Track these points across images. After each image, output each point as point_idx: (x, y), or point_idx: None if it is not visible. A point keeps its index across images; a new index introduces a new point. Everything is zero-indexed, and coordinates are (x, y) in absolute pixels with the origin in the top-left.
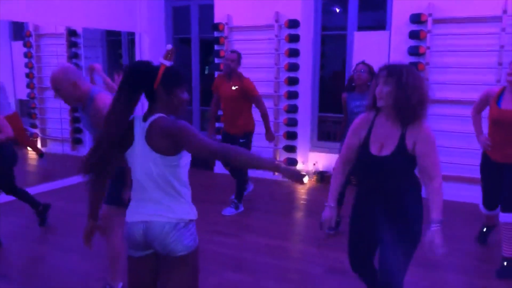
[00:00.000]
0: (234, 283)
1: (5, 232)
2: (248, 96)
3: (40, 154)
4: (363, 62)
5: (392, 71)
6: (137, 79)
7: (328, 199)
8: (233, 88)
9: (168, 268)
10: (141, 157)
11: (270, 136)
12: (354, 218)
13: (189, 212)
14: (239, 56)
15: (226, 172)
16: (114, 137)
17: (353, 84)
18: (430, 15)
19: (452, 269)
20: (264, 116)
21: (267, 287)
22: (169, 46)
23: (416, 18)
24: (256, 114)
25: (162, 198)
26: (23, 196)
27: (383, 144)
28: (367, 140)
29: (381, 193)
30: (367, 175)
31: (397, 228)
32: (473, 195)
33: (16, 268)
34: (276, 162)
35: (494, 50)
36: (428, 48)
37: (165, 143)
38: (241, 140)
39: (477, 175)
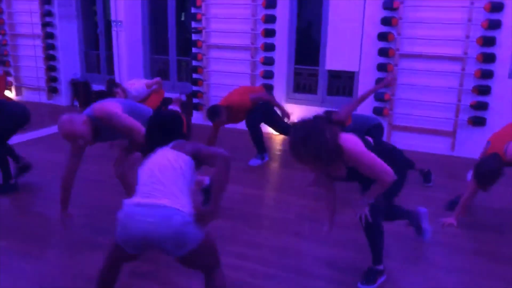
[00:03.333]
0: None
1: None
2: (245, 109)
3: None
4: None
5: (296, 153)
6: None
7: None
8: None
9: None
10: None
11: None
12: None
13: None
14: (217, 115)
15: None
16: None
17: None
18: None
19: None
20: (272, 103)
21: (243, 232)
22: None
23: None
24: None
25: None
26: (9, 151)
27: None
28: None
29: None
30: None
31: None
32: (444, 147)
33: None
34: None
35: (465, 7)
36: (402, 2)
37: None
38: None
39: (445, 127)
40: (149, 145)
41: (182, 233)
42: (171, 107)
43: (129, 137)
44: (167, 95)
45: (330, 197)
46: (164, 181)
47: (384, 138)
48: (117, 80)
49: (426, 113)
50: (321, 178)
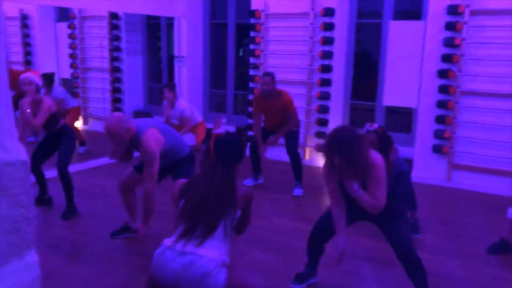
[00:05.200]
0: (265, 263)
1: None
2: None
3: (82, 142)
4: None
5: (340, 149)
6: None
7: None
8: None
9: None
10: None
11: (273, 140)
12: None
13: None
14: (272, 77)
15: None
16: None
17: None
18: (467, 6)
19: (478, 259)
20: (288, 126)
21: (295, 268)
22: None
23: (453, 9)
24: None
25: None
26: (67, 183)
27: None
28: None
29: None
30: (351, 203)
31: (387, 218)
32: (507, 188)
33: (65, 240)
34: None
35: None
36: (464, 39)
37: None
38: (293, 129)
39: (510, 167)
40: (219, 166)
41: (199, 282)
42: (215, 131)
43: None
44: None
45: (341, 210)
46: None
47: (444, 177)
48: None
49: (488, 152)
50: (334, 193)
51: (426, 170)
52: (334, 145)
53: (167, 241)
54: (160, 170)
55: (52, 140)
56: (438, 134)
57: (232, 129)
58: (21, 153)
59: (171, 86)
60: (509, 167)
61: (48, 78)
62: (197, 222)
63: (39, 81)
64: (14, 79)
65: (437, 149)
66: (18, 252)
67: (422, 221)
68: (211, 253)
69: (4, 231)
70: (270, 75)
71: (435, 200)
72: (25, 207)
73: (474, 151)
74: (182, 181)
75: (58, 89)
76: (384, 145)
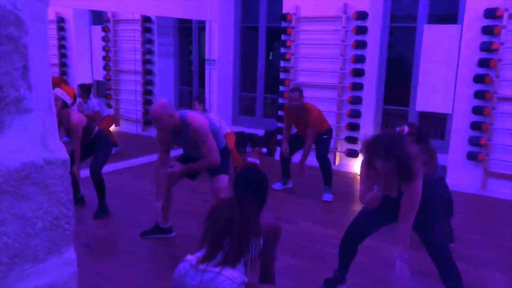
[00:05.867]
0: (293, 267)
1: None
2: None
3: (114, 143)
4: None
5: (390, 150)
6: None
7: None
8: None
9: None
10: None
11: (301, 168)
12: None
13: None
14: (300, 93)
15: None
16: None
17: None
18: (506, 9)
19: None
20: (307, 147)
21: (324, 274)
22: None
23: (491, 13)
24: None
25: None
26: (100, 185)
27: (389, 187)
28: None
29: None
30: (386, 200)
31: (422, 217)
32: None
33: (96, 239)
34: None
35: None
36: (502, 44)
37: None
38: (324, 136)
39: None
40: (236, 197)
41: None
42: (249, 159)
43: (201, 153)
44: (253, 131)
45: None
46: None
47: (479, 185)
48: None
49: None
50: (367, 182)
51: (460, 178)
52: (381, 147)
53: (190, 258)
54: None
55: (88, 147)
56: (474, 141)
57: (261, 132)
58: (62, 152)
59: (201, 99)
60: None
61: (85, 89)
62: (219, 249)
63: (66, 97)
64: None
65: (472, 156)
66: (57, 249)
67: (457, 230)
68: (231, 272)
69: (45, 227)
70: (298, 90)
71: (470, 208)
72: (64, 204)
73: (510, 158)
74: (225, 180)
75: (94, 101)
76: (423, 140)
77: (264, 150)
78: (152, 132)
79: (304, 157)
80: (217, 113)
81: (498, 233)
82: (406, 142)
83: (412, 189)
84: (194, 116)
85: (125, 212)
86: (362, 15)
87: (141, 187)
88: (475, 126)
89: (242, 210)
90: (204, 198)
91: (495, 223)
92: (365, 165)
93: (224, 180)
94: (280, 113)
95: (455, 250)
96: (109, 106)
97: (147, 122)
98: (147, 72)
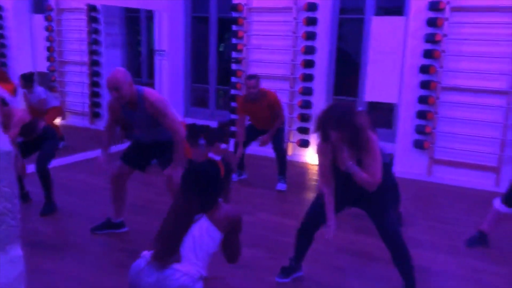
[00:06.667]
0: (250, 258)
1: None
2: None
3: (60, 137)
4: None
5: (341, 121)
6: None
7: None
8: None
9: None
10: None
11: (265, 140)
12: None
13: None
14: (257, 80)
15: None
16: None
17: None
18: (448, 2)
19: (460, 253)
20: (277, 124)
21: (280, 263)
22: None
23: (434, 5)
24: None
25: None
26: (47, 180)
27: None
28: (333, 159)
29: (356, 190)
30: (339, 181)
31: (376, 203)
32: (488, 182)
33: (45, 236)
34: None
35: (509, 40)
36: (445, 35)
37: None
38: (280, 126)
39: (488, 162)
40: (184, 195)
41: None
42: (211, 155)
43: (164, 127)
44: (206, 122)
45: (330, 190)
46: (185, 246)
47: (425, 172)
48: None
49: (469, 147)
50: (326, 170)
51: (407, 165)
52: (333, 118)
53: (146, 254)
54: (143, 153)
55: (34, 143)
56: (419, 130)
57: (214, 124)
58: (5, 143)
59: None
60: (489, 162)
61: (28, 79)
62: (173, 245)
63: (4, 93)
64: None
65: (418, 144)
66: (1, 246)
67: (405, 215)
68: (187, 268)
69: None
70: (255, 77)
71: (417, 194)
72: (9, 200)
73: (454, 146)
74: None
75: (39, 89)
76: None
77: (224, 146)
78: (100, 125)
79: (274, 131)
80: None
81: (443, 218)
82: (357, 112)
83: (370, 160)
84: (151, 90)
85: (74, 208)
86: (312, 7)
87: (89, 181)
88: (420, 115)
89: (186, 206)
90: (157, 191)
91: (440, 208)
92: (321, 148)
93: (177, 172)
94: (234, 104)
95: (405, 235)
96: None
97: (95, 115)
98: (94, 63)
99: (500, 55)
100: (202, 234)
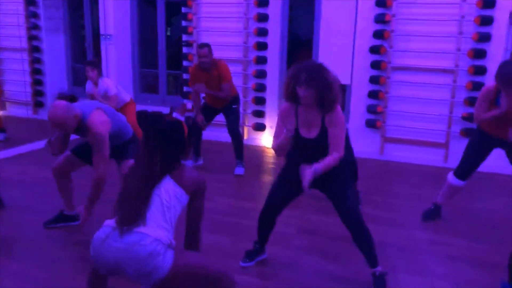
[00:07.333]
0: (213, 243)
1: None
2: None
3: (1, 129)
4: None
5: (312, 75)
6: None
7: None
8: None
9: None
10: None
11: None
12: (284, 176)
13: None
14: (209, 48)
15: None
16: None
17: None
18: None
19: (415, 226)
20: (222, 95)
21: (244, 246)
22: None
23: None
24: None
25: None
26: None
27: (310, 128)
28: (296, 125)
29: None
30: (300, 152)
31: (336, 179)
32: (437, 158)
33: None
34: None
35: (455, 20)
36: (394, 15)
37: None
38: (233, 106)
39: (437, 139)
40: (148, 155)
41: (144, 262)
42: (175, 114)
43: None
44: (158, 109)
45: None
46: (152, 209)
47: (378, 151)
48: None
49: (419, 125)
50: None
51: (360, 144)
52: (304, 71)
53: (109, 222)
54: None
55: None
56: (371, 109)
57: (166, 110)
58: None
59: (94, 63)
60: (438, 139)
61: None
62: (138, 209)
63: None
64: None
65: (370, 124)
66: None
67: (361, 193)
68: (157, 232)
69: None
70: (207, 46)
71: (370, 173)
72: None
73: (405, 124)
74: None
75: None
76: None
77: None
78: (44, 115)
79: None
80: None
81: (396, 194)
82: (327, 70)
83: (338, 131)
84: (95, 120)
85: (22, 202)
86: None
87: (36, 174)
88: (372, 94)
89: (149, 166)
90: (110, 182)
91: (392, 184)
92: (284, 111)
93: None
94: (186, 89)
95: (363, 212)
96: None
97: (37, 104)
98: (34, 49)
99: (447, 34)
100: (170, 196)
